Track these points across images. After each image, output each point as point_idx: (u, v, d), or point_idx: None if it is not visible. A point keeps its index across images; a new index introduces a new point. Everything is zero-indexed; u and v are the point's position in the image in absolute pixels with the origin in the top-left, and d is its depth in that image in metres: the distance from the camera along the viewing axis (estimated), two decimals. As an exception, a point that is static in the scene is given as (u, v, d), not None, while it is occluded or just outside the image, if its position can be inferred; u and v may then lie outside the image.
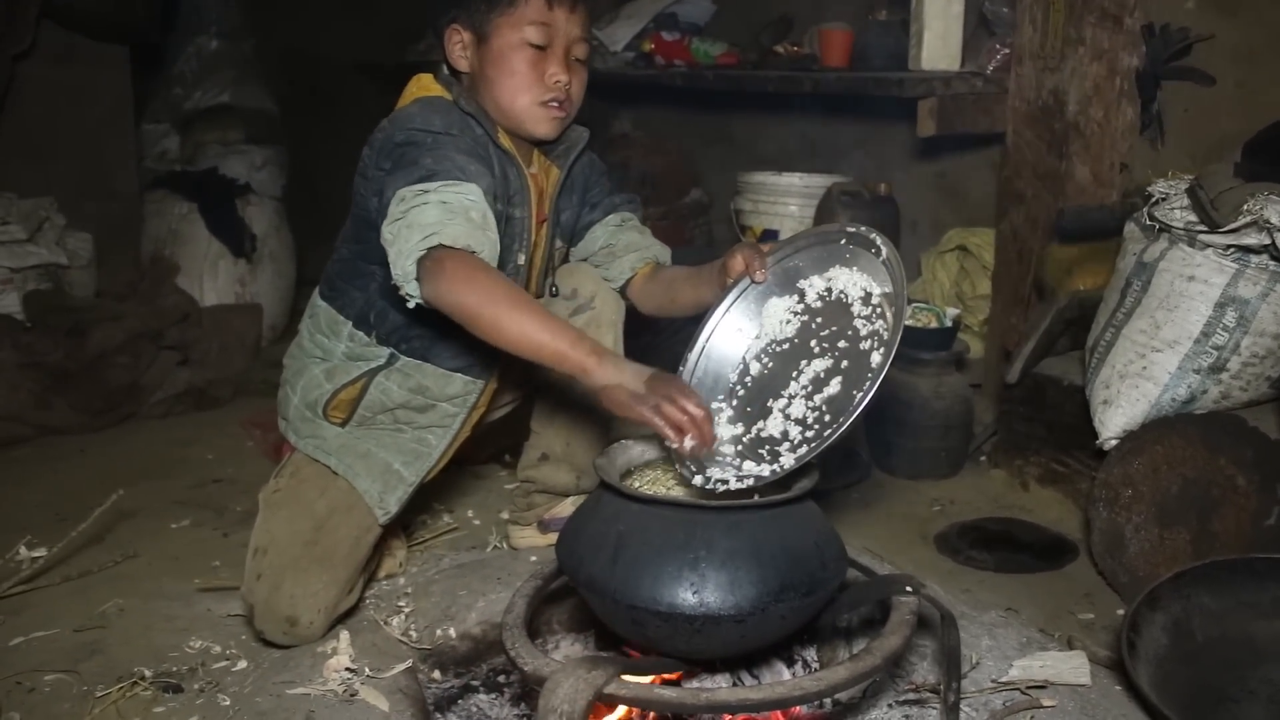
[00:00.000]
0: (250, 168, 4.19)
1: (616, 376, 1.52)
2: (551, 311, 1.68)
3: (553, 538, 1.81)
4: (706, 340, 1.74)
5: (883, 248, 1.61)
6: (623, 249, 2.11)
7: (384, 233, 1.67)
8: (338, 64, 5.26)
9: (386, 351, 2.00)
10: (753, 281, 1.74)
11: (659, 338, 2.43)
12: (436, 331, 1.96)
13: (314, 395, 2.00)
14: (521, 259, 2.00)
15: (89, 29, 3.74)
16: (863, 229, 1.65)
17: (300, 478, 1.96)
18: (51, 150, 3.69)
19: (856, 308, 1.61)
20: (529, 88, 1.89)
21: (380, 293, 1.94)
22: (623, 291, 2.13)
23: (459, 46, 1.93)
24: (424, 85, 1.95)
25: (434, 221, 1.63)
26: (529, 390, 2.22)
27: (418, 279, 1.62)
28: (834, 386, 1.55)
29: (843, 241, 1.68)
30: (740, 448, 1.59)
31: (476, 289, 1.59)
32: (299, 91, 5.04)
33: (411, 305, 1.66)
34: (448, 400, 2.04)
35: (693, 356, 1.74)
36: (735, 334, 1.75)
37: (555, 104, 1.91)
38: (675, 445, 1.46)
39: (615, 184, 2.20)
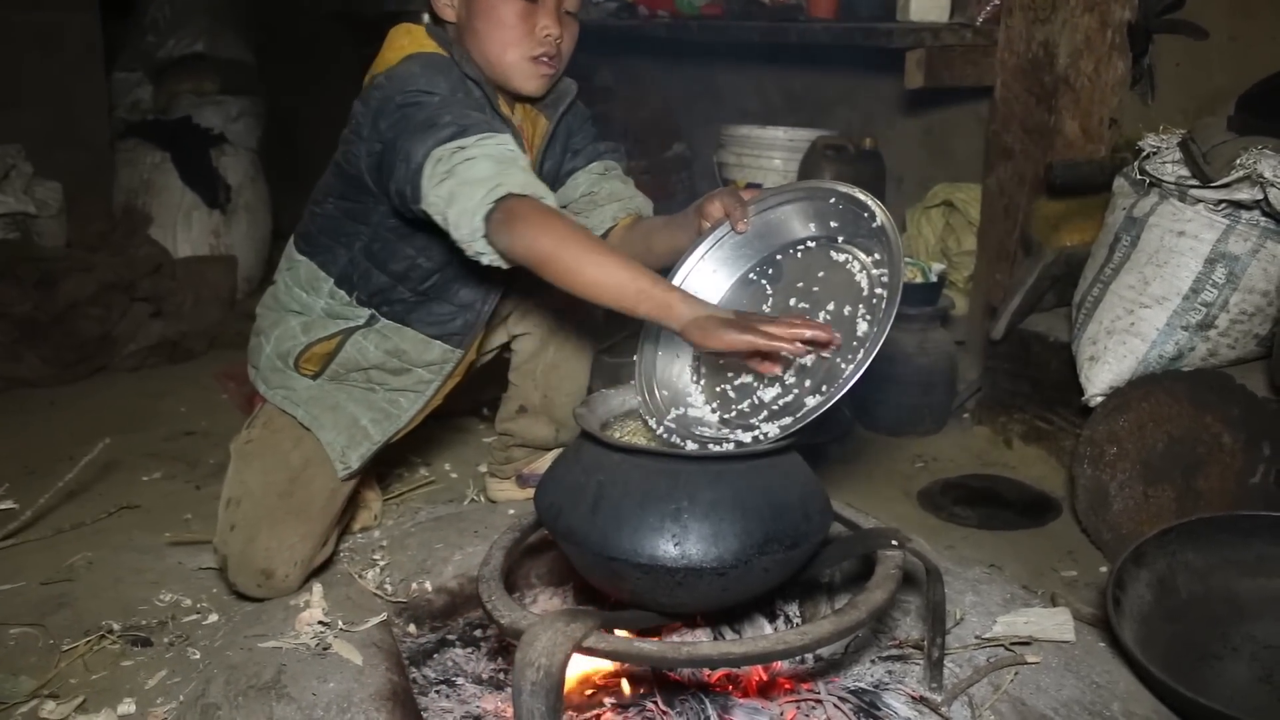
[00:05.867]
0: (226, 118, 4.12)
1: (704, 309, 1.44)
2: None
3: (531, 492, 1.78)
4: (680, 285, 1.70)
5: (877, 213, 1.54)
6: (605, 197, 2.05)
7: (430, 196, 1.59)
8: (316, 13, 5.15)
9: (367, 312, 1.94)
10: (734, 230, 1.69)
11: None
12: (421, 297, 1.91)
13: (287, 346, 1.95)
14: None
15: (56, -29, 3.65)
16: (856, 191, 1.59)
17: (273, 428, 1.91)
18: (18, 96, 3.60)
19: (845, 270, 1.57)
20: (518, 41, 1.81)
21: (364, 253, 1.88)
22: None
23: None
24: (417, 39, 1.84)
25: (492, 174, 1.55)
26: (501, 348, 2.18)
27: (485, 235, 1.55)
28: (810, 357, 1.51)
29: (832, 200, 1.62)
30: (715, 404, 1.56)
31: (551, 232, 1.51)
32: (276, 41, 4.93)
33: (486, 263, 1.58)
34: (424, 366, 1.99)
35: None
36: (710, 279, 1.71)
37: (545, 59, 1.84)
38: (799, 357, 1.43)
39: (599, 132, 2.15)
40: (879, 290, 1.50)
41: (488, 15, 1.81)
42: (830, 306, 1.54)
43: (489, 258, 1.57)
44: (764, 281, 1.67)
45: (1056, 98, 2.64)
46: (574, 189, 2.07)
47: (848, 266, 1.57)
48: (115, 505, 2.24)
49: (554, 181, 2.07)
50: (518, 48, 1.82)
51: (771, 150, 3.46)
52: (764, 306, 1.63)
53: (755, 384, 1.54)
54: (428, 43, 1.83)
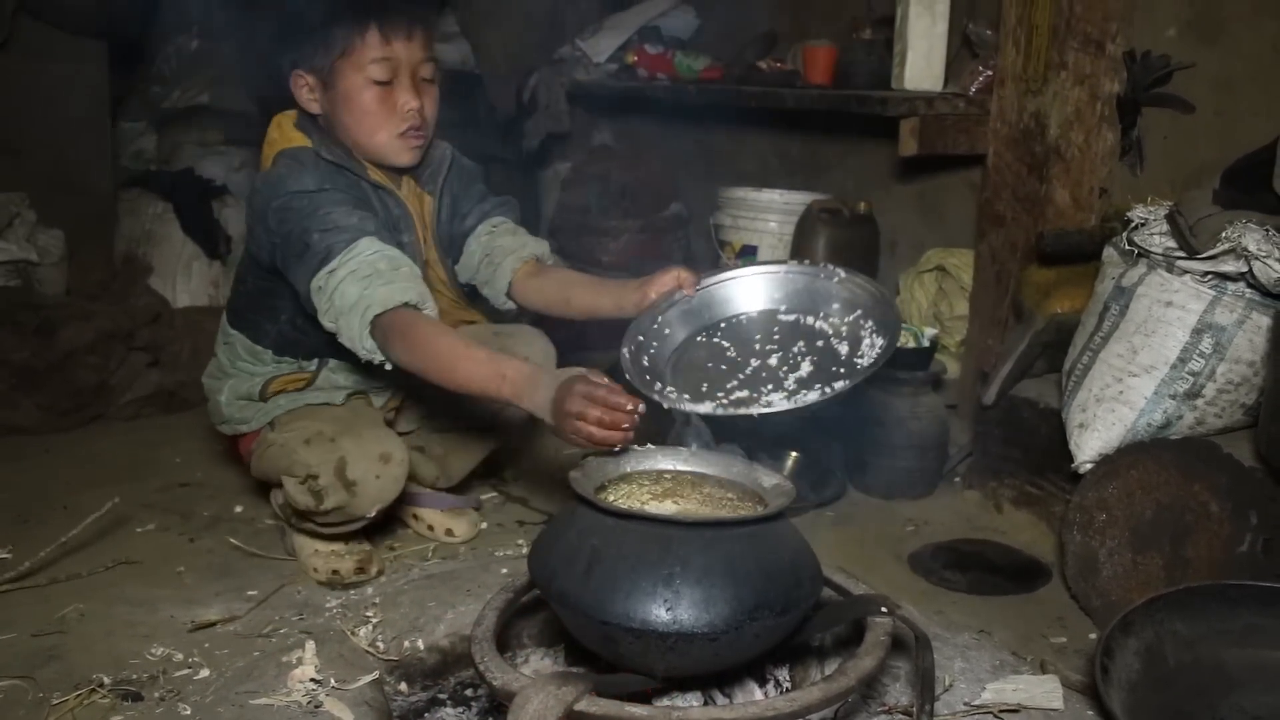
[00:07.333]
0: (228, 169, 4.16)
1: (536, 409, 1.56)
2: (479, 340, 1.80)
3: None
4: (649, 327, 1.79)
5: (837, 270, 1.63)
6: (500, 255, 2.12)
7: (324, 324, 1.77)
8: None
9: (315, 360, 2.07)
10: (682, 292, 1.78)
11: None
12: None
13: (246, 387, 2.07)
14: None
15: (67, 23, 3.69)
16: (805, 262, 1.71)
17: (283, 419, 2.04)
18: (24, 145, 3.64)
19: (801, 325, 1.64)
20: (383, 124, 1.91)
21: (290, 325, 2.01)
22: (508, 295, 2.15)
23: (305, 90, 1.95)
24: (285, 133, 1.96)
25: (358, 297, 1.71)
26: None
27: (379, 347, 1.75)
28: (804, 368, 1.59)
29: (783, 272, 1.71)
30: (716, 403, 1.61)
31: (418, 348, 1.70)
32: (279, 94, 4.99)
33: (390, 368, 1.78)
34: (386, 380, 2.12)
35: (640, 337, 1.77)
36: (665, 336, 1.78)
37: (413, 132, 1.93)
38: (617, 450, 1.51)
39: (487, 187, 2.21)
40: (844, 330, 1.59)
41: (349, 106, 1.91)
42: (818, 344, 1.62)
43: (391, 365, 1.77)
44: (718, 339, 1.74)
45: (1047, 167, 2.69)
46: (471, 258, 2.16)
47: (803, 322, 1.65)
48: (111, 559, 2.22)
49: (453, 250, 2.16)
50: (384, 129, 1.92)
51: (767, 213, 3.49)
52: (723, 365, 1.70)
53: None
54: (294, 135, 1.95)
